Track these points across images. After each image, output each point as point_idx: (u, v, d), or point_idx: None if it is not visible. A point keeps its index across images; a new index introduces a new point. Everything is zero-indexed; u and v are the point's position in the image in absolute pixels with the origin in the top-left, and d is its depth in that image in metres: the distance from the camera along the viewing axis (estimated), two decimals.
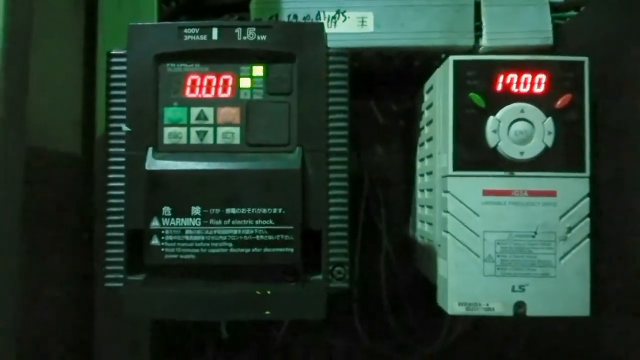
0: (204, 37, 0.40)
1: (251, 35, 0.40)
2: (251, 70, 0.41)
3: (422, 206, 0.54)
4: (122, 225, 0.39)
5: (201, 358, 0.57)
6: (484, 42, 0.52)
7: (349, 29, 0.52)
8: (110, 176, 0.40)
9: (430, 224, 0.51)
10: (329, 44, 0.50)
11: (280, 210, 0.39)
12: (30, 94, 0.42)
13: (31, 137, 0.42)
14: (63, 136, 0.48)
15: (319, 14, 0.52)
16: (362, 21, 0.52)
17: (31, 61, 0.42)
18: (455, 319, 0.53)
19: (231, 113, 0.40)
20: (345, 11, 0.52)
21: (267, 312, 0.39)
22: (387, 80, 0.63)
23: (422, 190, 0.55)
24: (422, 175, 0.55)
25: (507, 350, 0.59)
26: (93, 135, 0.50)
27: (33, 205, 0.42)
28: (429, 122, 0.51)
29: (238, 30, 0.40)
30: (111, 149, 0.40)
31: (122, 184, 0.40)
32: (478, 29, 0.52)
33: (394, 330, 0.58)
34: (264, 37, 0.40)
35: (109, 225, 0.40)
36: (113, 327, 0.50)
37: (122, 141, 0.40)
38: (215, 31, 0.40)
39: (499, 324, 0.60)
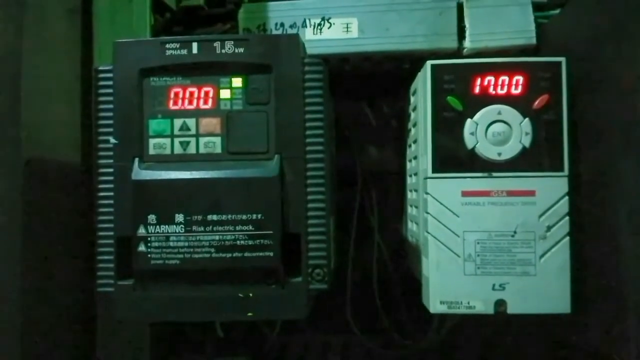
0: (184, 52, 0.42)
1: (229, 49, 0.41)
2: (230, 82, 0.42)
3: (411, 206, 0.55)
4: (111, 233, 0.41)
5: (199, 356, 0.59)
6: (467, 43, 0.52)
7: (335, 35, 0.53)
8: (100, 186, 0.42)
9: (417, 223, 0.52)
10: (316, 51, 0.52)
11: (260, 216, 0.40)
12: (25, 106, 0.44)
13: (29, 148, 0.45)
14: (62, 147, 0.51)
15: (304, 21, 0.53)
16: (347, 27, 0.53)
17: (24, 76, 0.44)
18: (443, 315, 0.54)
19: (212, 123, 0.42)
20: (330, 18, 0.53)
21: (250, 314, 0.41)
22: (379, 81, 0.64)
23: (410, 191, 0.56)
24: (410, 175, 0.56)
25: (495, 345, 0.60)
26: (91, 145, 0.53)
27: (35, 212, 0.45)
28: (415, 124, 0.52)
29: (217, 44, 0.41)
30: (100, 160, 0.42)
31: (111, 194, 0.42)
32: (463, 30, 0.53)
33: (387, 326, 0.59)
34: (241, 50, 0.41)
35: (100, 233, 0.42)
36: (114, 326, 0.53)
37: (110, 152, 0.42)
38: (195, 45, 0.41)
39: (488, 320, 0.60)
